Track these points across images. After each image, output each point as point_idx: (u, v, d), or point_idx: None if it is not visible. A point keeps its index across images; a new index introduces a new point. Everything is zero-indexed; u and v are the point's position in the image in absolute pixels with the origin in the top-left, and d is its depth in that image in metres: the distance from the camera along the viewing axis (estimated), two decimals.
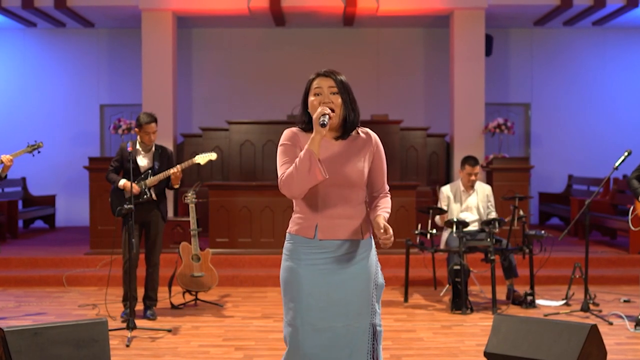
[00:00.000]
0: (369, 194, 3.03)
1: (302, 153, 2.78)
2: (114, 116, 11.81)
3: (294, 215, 2.98)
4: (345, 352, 2.86)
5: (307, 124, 2.97)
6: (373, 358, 2.91)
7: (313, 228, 2.89)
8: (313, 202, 2.90)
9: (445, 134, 10.80)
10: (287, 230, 2.99)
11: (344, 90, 2.93)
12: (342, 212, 2.89)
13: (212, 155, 6.19)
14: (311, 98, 2.92)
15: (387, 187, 3.06)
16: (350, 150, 2.94)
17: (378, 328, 2.94)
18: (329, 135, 2.93)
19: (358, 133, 3.01)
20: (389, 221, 2.99)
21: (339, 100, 2.91)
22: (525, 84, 11.98)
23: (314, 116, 2.79)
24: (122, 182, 5.92)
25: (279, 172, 2.89)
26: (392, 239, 2.82)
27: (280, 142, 2.96)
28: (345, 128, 2.95)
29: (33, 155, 6.19)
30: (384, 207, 2.98)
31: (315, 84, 2.93)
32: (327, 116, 2.78)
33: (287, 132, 2.97)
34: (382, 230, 2.82)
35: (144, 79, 10.25)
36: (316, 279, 2.88)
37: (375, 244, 3.07)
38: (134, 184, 5.84)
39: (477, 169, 6.87)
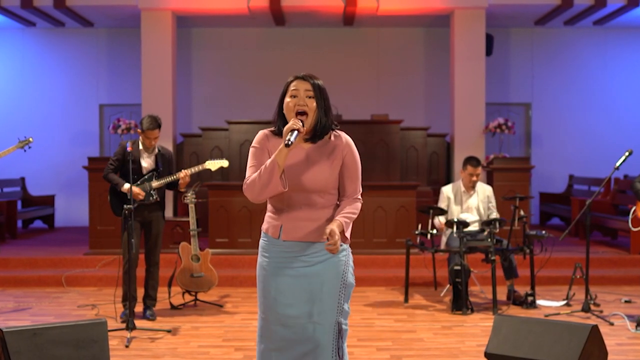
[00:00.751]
0: (340, 197, 3.05)
1: (267, 162, 2.85)
2: (113, 116, 11.80)
3: (267, 213, 3.08)
4: (309, 347, 2.93)
5: (279, 128, 3.00)
6: (338, 355, 2.97)
7: (278, 228, 2.99)
8: (279, 204, 2.99)
9: (445, 134, 10.79)
10: (261, 227, 3.09)
11: (320, 95, 2.96)
12: (305, 215, 2.95)
13: (224, 163, 6.21)
14: (287, 99, 2.97)
15: (359, 191, 3.06)
16: (318, 155, 2.97)
17: (344, 326, 2.99)
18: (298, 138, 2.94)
19: (330, 137, 3.01)
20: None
21: (314, 104, 2.94)
22: (525, 84, 11.97)
23: (285, 128, 2.83)
24: (127, 186, 5.82)
25: (246, 175, 2.97)
26: (337, 245, 2.83)
27: (252, 143, 3.04)
28: (315, 132, 2.96)
29: (24, 151, 6.31)
30: (345, 212, 2.97)
31: (292, 85, 2.98)
32: (296, 132, 2.81)
33: (259, 134, 3.04)
34: (325, 237, 2.84)
35: (143, 78, 10.23)
36: (282, 276, 2.97)
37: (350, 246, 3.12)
38: (139, 188, 5.82)
39: (479, 169, 6.86)
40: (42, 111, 11.79)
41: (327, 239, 2.84)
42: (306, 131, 2.94)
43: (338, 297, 2.98)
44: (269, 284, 2.99)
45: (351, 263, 3.06)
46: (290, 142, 2.78)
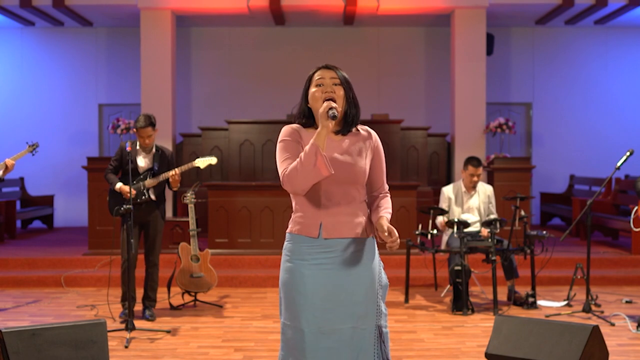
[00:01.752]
0: (369, 193, 2.97)
1: (307, 147, 2.69)
2: (112, 116, 11.78)
3: (295, 215, 2.90)
4: (351, 355, 2.79)
5: (307, 119, 2.91)
6: None
7: (317, 226, 2.82)
8: (315, 200, 2.82)
9: (446, 134, 10.77)
10: (287, 231, 2.92)
11: (346, 84, 2.89)
12: (345, 210, 2.83)
13: (212, 160, 6.17)
14: (312, 89, 2.87)
15: (386, 187, 3.00)
16: (352, 147, 2.88)
17: (384, 329, 2.88)
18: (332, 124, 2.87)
19: (358, 130, 2.96)
20: (392, 218, 2.94)
21: (342, 91, 2.86)
22: (526, 83, 11.95)
23: (320, 110, 2.73)
24: (119, 185, 5.87)
25: (281, 168, 2.80)
26: (398, 241, 2.77)
27: (280, 138, 2.88)
28: (346, 122, 2.89)
29: (32, 155, 6.36)
30: (386, 208, 2.92)
31: (317, 75, 2.89)
32: (335, 109, 2.73)
33: (286, 129, 2.90)
34: (386, 234, 2.76)
35: (142, 78, 10.21)
36: (321, 280, 2.80)
37: (377, 244, 3.01)
38: (126, 187, 5.81)
39: (480, 170, 6.83)
40: (41, 111, 11.77)
41: (386, 236, 2.75)
42: (336, 121, 2.86)
43: (377, 298, 2.86)
44: (305, 289, 2.79)
45: (382, 261, 2.99)
46: (335, 114, 2.69)
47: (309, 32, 11.78)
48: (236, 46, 11.85)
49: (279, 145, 2.87)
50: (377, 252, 2.95)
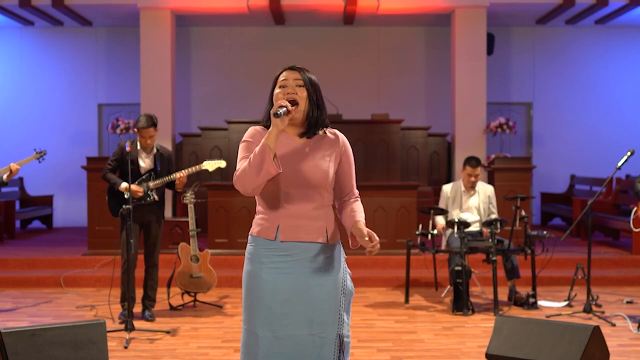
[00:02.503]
0: (338, 197, 2.92)
1: (257, 147, 2.66)
2: (112, 115, 11.77)
3: (256, 216, 2.86)
4: None
5: (269, 121, 2.85)
6: None
7: (274, 229, 2.77)
8: (275, 202, 2.78)
9: (446, 134, 10.75)
10: (249, 232, 2.88)
11: (310, 86, 2.82)
12: (304, 212, 2.76)
13: (222, 163, 6.16)
14: (276, 90, 2.83)
15: (356, 192, 2.94)
16: (314, 149, 2.82)
17: (345, 339, 2.80)
18: (292, 131, 2.83)
19: (325, 133, 2.89)
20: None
21: (304, 93, 2.80)
22: (527, 83, 11.93)
23: (272, 110, 2.68)
24: (124, 185, 5.79)
25: (237, 168, 2.78)
26: (378, 246, 2.70)
27: (244, 138, 2.86)
28: (309, 125, 2.82)
29: (39, 162, 6.33)
30: (360, 212, 2.86)
31: (282, 76, 2.84)
32: (285, 108, 2.66)
33: (250, 130, 2.87)
34: (366, 239, 2.70)
35: (142, 78, 10.20)
36: (278, 284, 2.74)
37: (345, 251, 2.95)
38: (137, 186, 5.77)
39: (479, 170, 6.81)
40: (40, 111, 11.75)
41: (366, 241, 2.68)
42: (299, 123, 2.82)
43: (339, 306, 2.78)
44: (262, 292, 2.74)
45: (348, 269, 2.90)
46: (279, 113, 2.63)
47: (308, 31, 11.77)
48: (236, 46, 11.84)
49: (240, 145, 2.84)
50: (342, 258, 2.88)
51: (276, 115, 2.63)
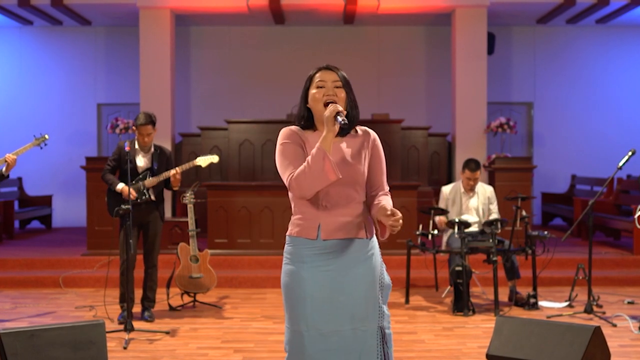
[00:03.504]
0: (368, 193, 2.93)
1: (314, 151, 2.68)
2: (111, 115, 11.75)
3: (294, 217, 2.88)
4: (353, 357, 2.78)
5: (307, 121, 2.89)
6: None
7: (315, 228, 2.80)
8: (314, 202, 2.80)
9: (446, 134, 10.73)
10: (287, 233, 2.90)
11: (347, 86, 2.87)
12: (344, 211, 2.80)
13: (214, 158, 6.13)
14: (313, 91, 2.84)
15: (387, 186, 2.96)
16: (351, 148, 2.87)
17: (387, 331, 2.85)
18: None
19: (356, 131, 2.93)
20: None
21: (343, 94, 2.84)
22: (527, 83, 11.91)
23: (326, 113, 2.70)
24: (120, 186, 5.80)
25: (286, 173, 2.78)
26: (401, 221, 2.72)
27: (280, 141, 2.85)
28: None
29: (41, 148, 6.15)
30: (387, 203, 2.87)
31: (318, 76, 2.86)
32: (343, 116, 2.70)
33: (285, 131, 2.87)
34: (388, 213, 2.70)
35: (141, 77, 10.18)
36: (320, 282, 2.79)
37: (379, 245, 2.99)
38: (131, 189, 5.74)
39: (478, 174, 6.77)
40: (39, 110, 11.73)
41: (389, 215, 2.69)
42: (344, 113, 2.82)
43: (378, 300, 2.83)
44: (304, 292, 2.79)
45: (384, 263, 2.95)
46: (345, 122, 2.67)
47: (308, 31, 11.75)
48: (236, 45, 11.82)
49: (278, 149, 2.85)
50: (378, 253, 2.93)
51: (345, 124, 2.69)
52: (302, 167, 2.71)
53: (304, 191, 2.74)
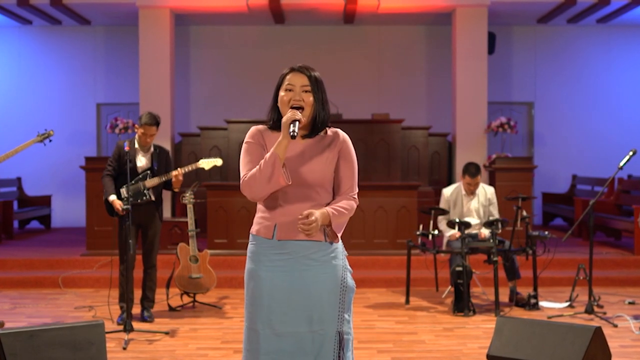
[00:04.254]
0: (334, 195, 2.90)
1: (267, 155, 2.71)
2: (110, 115, 11.73)
3: (256, 215, 2.90)
4: (308, 359, 2.76)
5: (275, 122, 2.88)
6: None
7: (272, 228, 2.81)
8: (273, 202, 2.81)
9: (447, 133, 10.71)
10: (250, 231, 2.92)
11: (317, 88, 2.83)
12: (302, 211, 2.74)
13: (218, 161, 6.11)
14: (281, 93, 2.83)
15: (354, 190, 2.91)
16: (315, 149, 2.84)
17: (346, 336, 2.82)
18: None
19: (326, 132, 2.90)
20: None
21: (311, 98, 2.81)
22: (528, 83, 11.89)
23: (283, 120, 2.71)
24: (112, 197, 5.78)
25: (242, 173, 2.81)
26: (312, 227, 2.67)
27: (245, 139, 2.88)
28: (314, 127, 2.85)
29: (44, 145, 6.03)
30: (336, 205, 2.81)
31: (287, 79, 2.84)
32: (297, 124, 2.69)
33: (252, 130, 2.89)
34: (300, 216, 2.69)
35: (141, 77, 10.16)
36: (277, 282, 2.79)
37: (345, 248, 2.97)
38: (120, 202, 5.72)
39: (478, 179, 6.74)
40: (38, 110, 11.71)
41: (300, 217, 2.68)
42: (303, 126, 2.82)
43: (338, 303, 2.81)
44: (261, 291, 2.79)
45: (348, 266, 2.90)
46: (295, 134, 2.66)
47: (308, 30, 11.73)
48: (235, 45, 11.80)
49: (242, 147, 2.88)
50: (342, 256, 2.88)
51: (293, 137, 2.68)
52: (253, 170, 2.75)
53: (254, 193, 2.77)
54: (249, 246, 2.89)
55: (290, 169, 2.77)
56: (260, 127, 2.90)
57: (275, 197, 2.80)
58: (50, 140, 5.98)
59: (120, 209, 5.69)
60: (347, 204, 2.84)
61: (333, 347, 2.78)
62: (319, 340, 2.77)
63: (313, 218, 2.68)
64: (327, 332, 2.77)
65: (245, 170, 2.81)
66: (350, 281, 2.88)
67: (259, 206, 2.88)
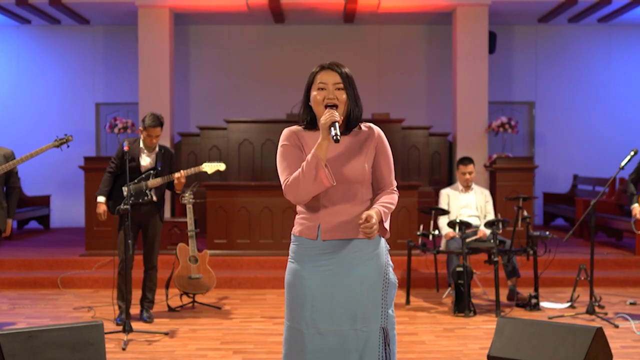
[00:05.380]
0: (375, 190, 2.90)
1: (309, 157, 2.69)
2: (110, 115, 11.70)
3: (297, 216, 2.89)
4: (353, 357, 2.77)
5: (308, 122, 2.86)
6: None
7: (315, 228, 2.80)
8: (315, 202, 2.81)
9: (447, 133, 10.69)
10: (292, 231, 2.91)
11: (349, 85, 2.81)
12: (345, 210, 2.78)
13: (221, 166, 6.11)
14: (314, 92, 2.81)
15: (394, 184, 2.93)
16: (353, 146, 2.83)
17: (390, 332, 2.84)
18: None
19: (360, 128, 2.89)
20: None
21: (344, 96, 2.80)
22: (529, 82, 11.87)
23: (322, 121, 2.69)
24: (100, 199, 5.87)
25: (282, 177, 2.80)
26: (374, 229, 2.69)
27: (280, 142, 2.85)
28: (349, 124, 2.84)
29: (62, 150, 6.02)
30: (383, 202, 2.83)
31: (319, 77, 2.81)
32: (337, 126, 2.67)
33: (286, 132, 2.87)
34: (360, 220, 2.70)
35: (140, 77, 10.14)
36: (321, 282, 2.79)
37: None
38: (104, 207, 5.82)
39: (471, 167, 6.91)
40: (37, 110, 11.69)
41: (360, 221, 2.69)
42: (341, 122, 2.80)
43: (381, 300, 2.81)
44: (305, 291, 2.79)
45: (390, 262, 2.91)
46: (338, 137, 2.64)
47: (308, 30, 11.71)
48: (235, 44, 11.78)
49: (278, 150, 2.86)
50: (384, 252, 2.88)
51: (337, 141, 2.65)
52: (296, 173, 2.73)
53: (298, 197, 2.76)
54: (291, 247, 2.89)
55: (332, 168, 2.76)
56: (293, 128, 2.88)
57: (317, 198, 2.79)
58: (68, 146, 5.96)
59: (101, 212, 5.78)
60: (392, 199, 2.87)
61: (378, 343, 2.79)
62: (363, 337, 2.77)
63: (374, 221, 2.69)
64: (371, 329, 2.78)
65: (285, 175, 2.79)
66: (393, 277, 2.89)
67: (300, 207, 2.87)
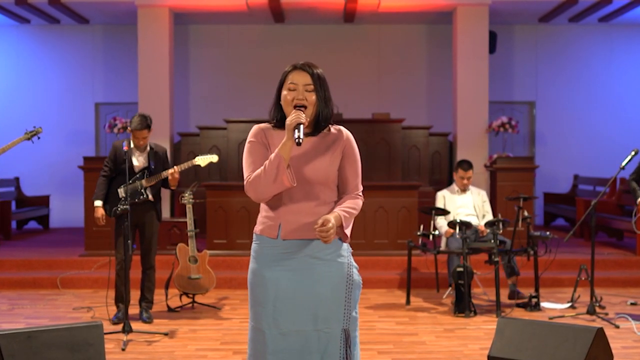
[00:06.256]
0: (339, 193, 2.89)
1: (271, 157, 2.69)
2: (109, 115, 11.69)
3: (260, 214, 2.89)
4: (314, 358, 2.76)
5: (278, 121, 2.86)
6: None
7: (276, 227, 2.80)
8: (277, 201, 2.80)
9: (448, 133, 10.68)
10: (253, 230, 2.90)
11: (320, 86, 2.81)
12: (307, 210, 2.77)
13: (214, 158, 6.08)
14: (284, 92, 2.81)
15: (360, 188, 2.91)
16: (319, 147, 2.83)
17: (352, 334, 2.81)
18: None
19: (330, 129, 2.88)
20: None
21: (313, 97, 2.79)
22: (529, 82, 11.86)
23: (287, 122, 2.69)
24: (97, 204, 5.90)
25: (245, 173, 2.80)
26: (329, 233, 2.66)
27: (248, 138, 2.86)
28: (317, 125, 2.84)
29: (32, 142, 6.00)
30: (345, 207, 2.81)
31: (290, 77, 2.81)
32: (302, 129, 2.66)
33: (254, 129, 2.88)
34: (316, 225, 2.67)
35: (140, 76, 10.13)
36: (283, 281, 2.78)
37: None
38: (102, 211, 5.87)
39: (470, 173, 6.91)
40: (37, 110, 11.67)
41: (316, 225, 2.67)
42: (306, 125, 2.80)
43: (344, 302, 2.80)
44: (266, 291, 2.78)
45: (354, 263, 2.89)
46: (300, 140, 2.64)
47: (308, 29, 11.70)
48: (235, 44, 11.77)
49: (245, 146, 2.87)
50: (347, 253, 2.87)
51: (298, 143, 2.65)
52: (258, 171, 2.74)
53: (259, 195, 2.77)
54: (253, 245, 2.87)
55: (294, 167, 2.75)
56: (262, 125, 2.89)
57: (279, 197, 2.79)
58: (39, 138, 5.96)
59: (100, 217, 5.83)
60: (354, 203, 2.85)
61: (339, 345, 2.77)
62: (325, 338, 2.76)
63: (330, 225, 2.67)
64: (332, 330, 2.77)
65: (249, 171, 2.80)
66: (357, 277, 2.87)
67: (263, 205, 2.87)
